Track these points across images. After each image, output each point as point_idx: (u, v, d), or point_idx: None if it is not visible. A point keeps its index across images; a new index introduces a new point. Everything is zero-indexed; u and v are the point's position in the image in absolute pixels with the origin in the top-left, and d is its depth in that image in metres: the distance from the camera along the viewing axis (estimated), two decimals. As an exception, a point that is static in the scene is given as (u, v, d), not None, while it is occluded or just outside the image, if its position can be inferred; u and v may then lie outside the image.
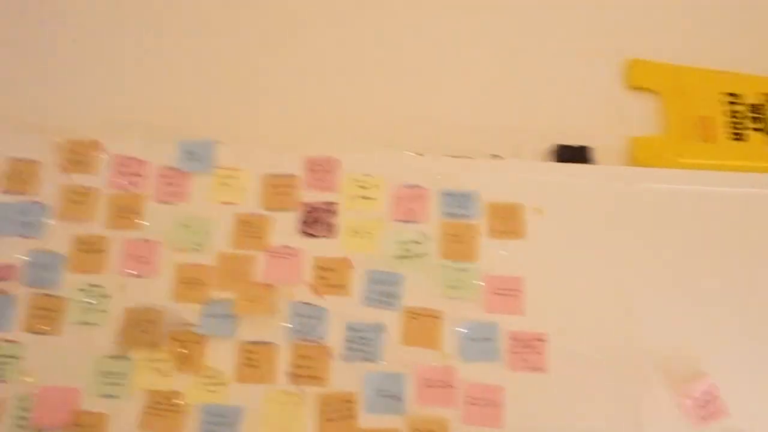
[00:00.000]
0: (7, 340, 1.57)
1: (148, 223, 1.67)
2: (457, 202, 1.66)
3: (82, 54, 1.92)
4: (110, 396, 1.51)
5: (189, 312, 1.58)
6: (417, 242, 1.63)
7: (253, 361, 1.53)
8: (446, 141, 1.78)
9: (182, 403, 1.50)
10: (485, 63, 1.92)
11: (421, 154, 1.73)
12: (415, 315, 1.56)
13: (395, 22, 1.98)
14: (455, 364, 1.52)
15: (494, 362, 1.52)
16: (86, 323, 1.58)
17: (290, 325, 1.56)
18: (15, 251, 1.64)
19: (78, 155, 1.74)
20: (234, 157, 1.73)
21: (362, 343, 1.54)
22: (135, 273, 1.62)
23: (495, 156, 1.74)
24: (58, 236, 1.66)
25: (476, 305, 1.57)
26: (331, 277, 1.60)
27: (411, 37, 1.96)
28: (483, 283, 1.59)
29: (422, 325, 1.54)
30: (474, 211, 1.65)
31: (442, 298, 1.58)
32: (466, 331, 1.55)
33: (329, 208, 1.67)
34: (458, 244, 1.62)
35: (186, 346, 1.55)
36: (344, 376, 1.52)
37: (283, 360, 1.54)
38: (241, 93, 1.86)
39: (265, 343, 1.55)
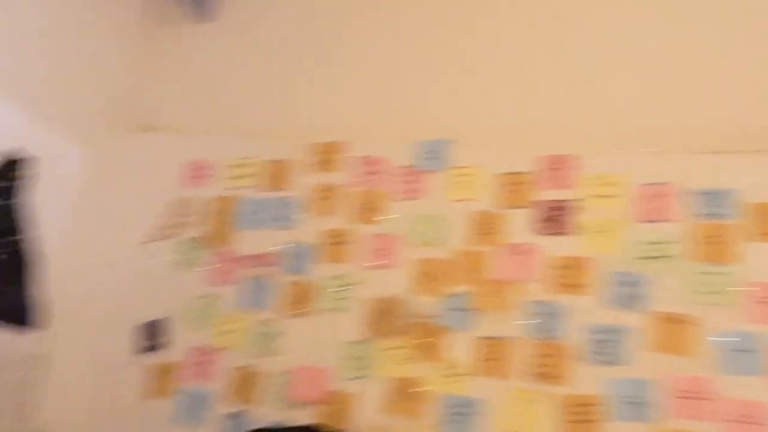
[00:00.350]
0: (268, 321, 1.73)
1: (388, 219, 1.75)
2: (712, 200, 1.53)
3: (326, 63, 2.06)
4: (357, 379, 1.61)
5: (428, 304, 1.63)
6: (664, 243, 1.52)
7: (492, 355, 1.54)
8: (691, 137, 1.65)
9: (423, 390, 1.55)
10: (733, 52, 1.75)
11: (665, 152, 1.62)
12: (664, 320, 1.46)
13: (632, 18, 1.88)
14: (712, 375, 1.40)
15: (761, 377, 1.37)
16: (334, 309, 1.69)
17: (529, 323, 1.54)
18: (273, 242, 1.81)
19: (325, 156, 1.88)
20: (469, 155, 1.76)
21: (605, 345, 1.47)
22: (377, 265, 1.71)
23: (757, 151, 1.57)
24: (309, 229, 1.80)
25: (736, 313, 1.43)
26: (569, 276, 1.56)
27: (650, 34, 1.84)
28: (745, 289, 1.44)
29: (673, 331, 1.44)
30: (733, 211, 1.51)
31: (695, 304, 1.46)
32: (725, 340, 1.41)
33: (567, 207, 1.63)
34: (714, 246, 1.49)
35: (426, 337, 1.59)
36: (586, 378, 1.46)
37: (522, 357, 1.52)
38: (477, 93, 1.89)
39: (503, 339, 1.55)
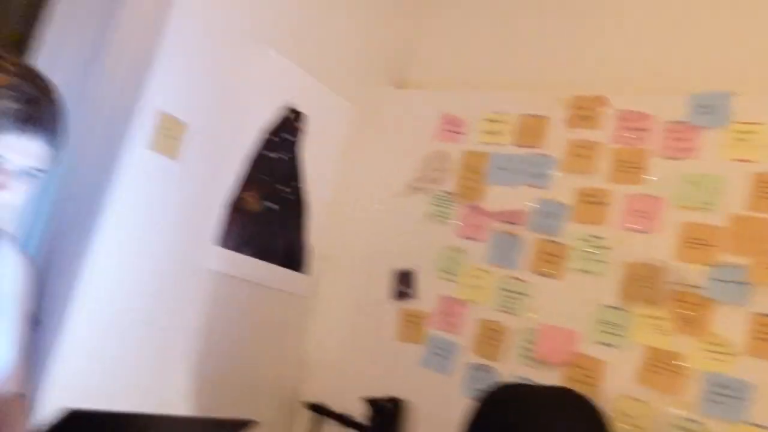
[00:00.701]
0: (516, 278, 1.72)
1: (652, 179, 1.62)
2: None
3: (585, 12, 1.93)
4: (609, 344, 1.54)
5: (693, 273, 1.49)
6: None
7: (770, 336, 1.36)
8: None
9: (684, 365, 1.43)
10: None
11: None
12: None
13: None
14: None
15: None
16: (586, 271, 1.63)
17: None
18: (524, 199, 1.79)
19: (583, 110, 1.79)
20: (754, 109, 1.55)
21: None
22: (637, 228, 1.60)
23: None
24: (563, 187, 1.74)
25: None
26: None
27: None
28: None
29: None
30: None
31: None
32: None
33: None
34: None
35: (689, 308, 1.47)
36: None
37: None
38: (764, 38, 1.64)
39: (785, 319, 1.36)
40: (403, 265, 1.94)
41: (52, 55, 1.56)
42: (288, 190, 1.88)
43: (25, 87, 1.10)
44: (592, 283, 1.61)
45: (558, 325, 1.62)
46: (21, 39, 1.55)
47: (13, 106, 1.07)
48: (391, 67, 2.20)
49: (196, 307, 1.66)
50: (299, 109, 1.87)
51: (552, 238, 1.70)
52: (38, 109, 1.10)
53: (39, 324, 1.38)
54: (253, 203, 1.77)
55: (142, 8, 1.55)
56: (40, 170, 1.14)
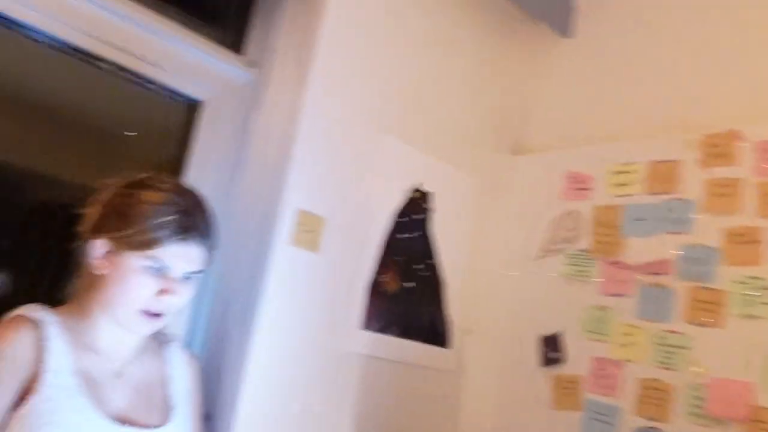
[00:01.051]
0: (672, 331, 1.63)
1: (807, 209, 1.50)
2: None
3: (703, 48, 1.87)
4: (791, 394, 1.40)
5: None
6: None
7: None
8: None
9: None
10: None
11: None
12: None
13: None
14: None
15: None
16: (751, 316, 1.51)
17: None
18: (667, 247, 1.71)
19: (716, 148, 1.72)
20: None
21: None
22: (799, 263, 1.48)
23: None
24: (708, 230, 1.65)
25: None
26: None
27: None
28: None
29: None
30: None
31: None
32: None
33: None
34: None
35: None
36: None
37: None
38: None
39: None
40: (548, 329, 1.89)
41: (199, 170, 1.73)
42: (423, 267, 1.91)
43: (178, 201, 1.24)
44: (759, 328, 1.49)
45: (729, 377, 1.50)
46: (171, 160, 1.73)
47: (171, 219, 1.21)
48: (508, 133, 2.22)
49: (347, 390, 1.71)
50: (424, 188, 1.92)
51: (705, 285, 1.61)
52: (192, 219, 1.24)
53: (210, 420, 1.47)
54: (392, 284, 1.82)
55: (274, 118, 1.70)
56: (198, 272, 1.26)
